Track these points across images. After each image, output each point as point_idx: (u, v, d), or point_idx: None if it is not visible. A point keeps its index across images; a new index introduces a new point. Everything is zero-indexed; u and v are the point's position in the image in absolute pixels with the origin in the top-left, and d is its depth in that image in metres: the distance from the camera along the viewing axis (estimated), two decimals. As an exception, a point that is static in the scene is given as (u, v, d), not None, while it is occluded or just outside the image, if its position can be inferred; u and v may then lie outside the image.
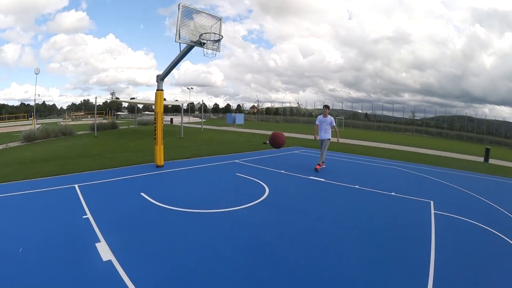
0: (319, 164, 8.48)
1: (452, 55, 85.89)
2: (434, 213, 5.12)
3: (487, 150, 15.08)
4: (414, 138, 33.82)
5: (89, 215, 4.14)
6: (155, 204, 4.80)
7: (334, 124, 8.52)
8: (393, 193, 6.29)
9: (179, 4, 7.54)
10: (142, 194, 5.29)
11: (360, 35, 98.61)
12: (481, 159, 15.14)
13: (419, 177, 8.61)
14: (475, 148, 25.43)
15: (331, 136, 8.63)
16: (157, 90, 8.14)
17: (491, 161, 14.82)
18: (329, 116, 8.56)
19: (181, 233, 3.76)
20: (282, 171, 7.87)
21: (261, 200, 5.26)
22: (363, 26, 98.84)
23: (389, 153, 14.72)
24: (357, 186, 6.71)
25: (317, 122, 8.71)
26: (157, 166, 7.83)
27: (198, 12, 8.13)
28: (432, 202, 5.76)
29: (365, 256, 3.41)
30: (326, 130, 8.53)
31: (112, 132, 20.65)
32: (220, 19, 8.54)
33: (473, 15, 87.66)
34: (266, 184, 6.38)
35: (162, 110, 8.06)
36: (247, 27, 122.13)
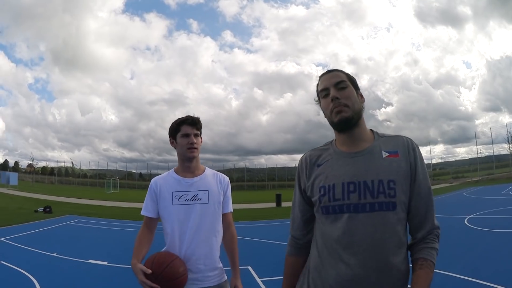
0: None
1: (227, 115, 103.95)
2: (262, 281, 4.40)
3: (278, 196, 17.01)
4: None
5: None
6: None
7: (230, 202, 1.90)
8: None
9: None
10: None
11: (137, 96, 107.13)
12: (273, 204, 16.96)
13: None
14: (263, 195, 28.98)
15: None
16: None
17: (283, 204, 16.66)
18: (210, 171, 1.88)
19: None
20: (55, 254, 6.06)
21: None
22: (142, 87, 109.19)
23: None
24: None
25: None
26: None
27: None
28: (249, 267, 5.01)
29: None
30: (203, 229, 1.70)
31: None
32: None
33: (253, 79, 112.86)
34: (36, 279, 4.82)
35: None
36: (35, 75, 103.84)
